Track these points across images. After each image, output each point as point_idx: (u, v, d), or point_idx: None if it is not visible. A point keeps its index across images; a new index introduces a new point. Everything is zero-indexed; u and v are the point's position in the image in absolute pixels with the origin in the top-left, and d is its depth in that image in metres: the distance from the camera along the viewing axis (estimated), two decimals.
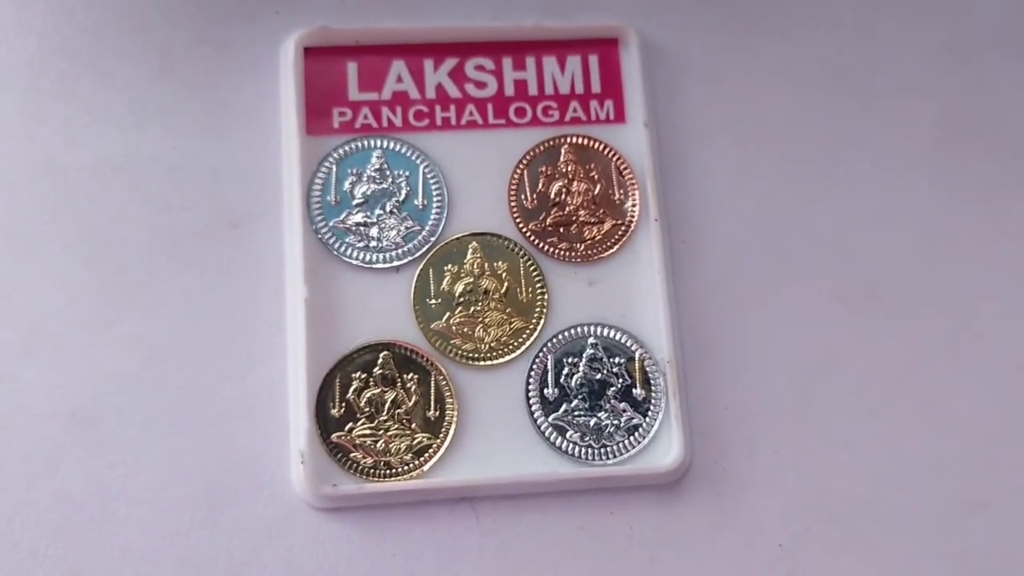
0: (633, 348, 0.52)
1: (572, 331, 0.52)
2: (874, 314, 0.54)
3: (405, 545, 0.49)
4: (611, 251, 0.54)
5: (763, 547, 0.51)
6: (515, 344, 0.52)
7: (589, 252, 0.53)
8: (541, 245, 0.53)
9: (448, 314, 0.52)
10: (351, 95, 0.54)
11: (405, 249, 0.53)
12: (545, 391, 0.52)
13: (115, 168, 0.53)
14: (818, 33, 0.58)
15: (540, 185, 0.54)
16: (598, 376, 0.52)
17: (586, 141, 0.55)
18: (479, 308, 0.52)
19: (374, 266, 0.52)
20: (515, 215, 0.54)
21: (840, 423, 0.53)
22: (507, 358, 0.52)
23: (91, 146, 0.53)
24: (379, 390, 0.51)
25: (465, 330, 0.52)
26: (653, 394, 0.52)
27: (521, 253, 0.53)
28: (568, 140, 0.55)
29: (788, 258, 0.55)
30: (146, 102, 0.54)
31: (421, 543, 0.50)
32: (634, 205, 0.54)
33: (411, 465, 0.50)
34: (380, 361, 0.51)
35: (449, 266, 0.53)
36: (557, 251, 0.53)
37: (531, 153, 0.55)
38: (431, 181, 0.53)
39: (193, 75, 0.55)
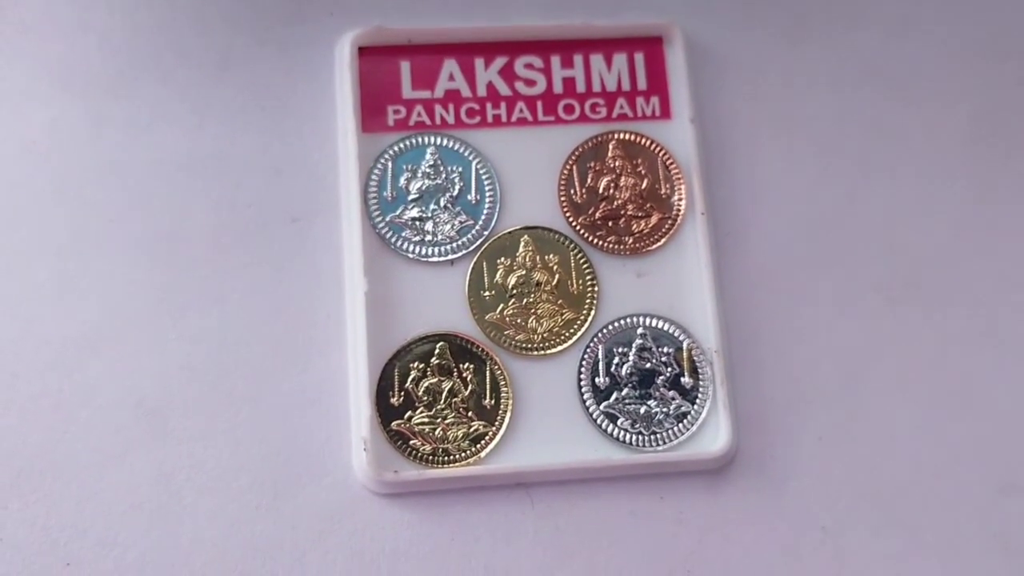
0: (681, 338, 0.53)
1: (621, 322, 0.53)
2: (914, 305, 0.55)
3: (463, 529, 0.50)
4: (658, 244, 0.54)
5: (807, 530, 0.51)
6: (567, 334, 0.52)
7: (637, 245, 0.54)
8: (590, 238, 0.54)
9: (502, 306, 0.52)
10: (405, 93, 0.54)
11: (459, 243, 0.53)
12: (596, 380, 0.52)
13: (178, 166, 0.53)
14: (859, 33, 0.59)
15: (589, 180, 0.54)
16: (647, 365, 0.52)
17: (633, 137, 0.55)
18: (531, 300, 0.52)
19: (430, 259, 0.53)
20: (565, 209, 0.54)
21: (882, 410, 0.53)
22: (559, 348, 0.52)
23: (154, 145, 0.53)
24: (436, 379, 0.51)
25: (518, 321, 0.52)
26: (701, 382, 0.52)
27: (571, 246, 0.53)
28: (616, 136, 0.55)
29: (830, 250, 0.55)
30: (207, 102, 0.54)
31: (478, 527, 0.50)
32: (680, 199, 0.54)
33: (468, 452, 0.51)
34: (437, 351, 0.51)
35: (502, 259, 0.53)
36: (606, 244, 0.54)
37: (580, 149, 0.55)
38: (483, 177, 0.54)
39: (252, 75, 0.55)
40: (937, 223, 0.56)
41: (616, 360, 0.52)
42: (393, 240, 0.53)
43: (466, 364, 0.51)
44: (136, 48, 0.55)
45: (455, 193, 0.53)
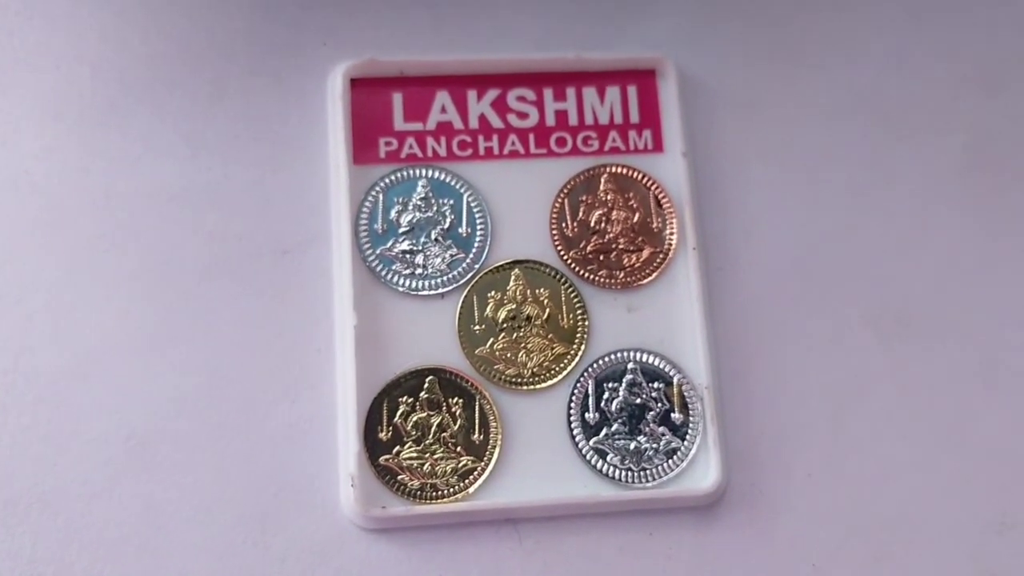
0: (672, 373, 0.52)
1: (612, 356, 0.52)
2: (905, 340, 0.54)
3: (451, 565, 0.49)
4: (650, 278, 0.54)
5: (797, 567, 0.51)
6: (557, 369, 0.52)
7: (629, 279, 0.53)
8: (582, 272, 0.53)
9: (492, 340, 0.52)
10: (397, 125, 0.54)
11: (450, 276, 0.53)
12: (586, 415, 0.51)
13: (169, 197, 0.53)
14: (851, 66, 0.58)
15: (580, 213, 0.54)
16: (637, 401, 0.52)
17: (625, 170, 0.55)
18: (522, 334, 0.52)
19: (420, 293, 0.52)
20: (556, 243, 0.54)
21: (872, 446, 0.53)
22: (549, 383, 0.52)
23: (145, 176, 0.53)
24: (425, 414, 0.51)
25: (508, 355, 0.52)
26: (691, 418, 0.52)
27: (562, 280, 0.53)
28: (608, 169, 0.55)
29: (822, 285, 0.55)
30: (199, 133, 0.54)
31: (466, 564, 0.49)
32: (672, 233, 0.54)
33: (457, 487, 0.50)
34: (426, 386, 0.51)
35: (492, 293, 0.53)
36: (597, 278, 0.53)
37: (572, 182, 0.54)
38: (475, 209, 0.54)
39: (244, 106, 0.55)
40: (930, 256, 0.56)
41: (606, 395, 0.52)
42: (383, 273, 0.52)
43: (455, 398, 0.51)
44: (129, 78, 0.55)
45: (446, 226, 0.53)
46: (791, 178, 0.56)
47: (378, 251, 0.53)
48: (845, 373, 0.53)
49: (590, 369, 0.52)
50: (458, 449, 0.50)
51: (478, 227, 0.53)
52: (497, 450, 0.50)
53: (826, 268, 0.55)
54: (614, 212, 0.54)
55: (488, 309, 0.52)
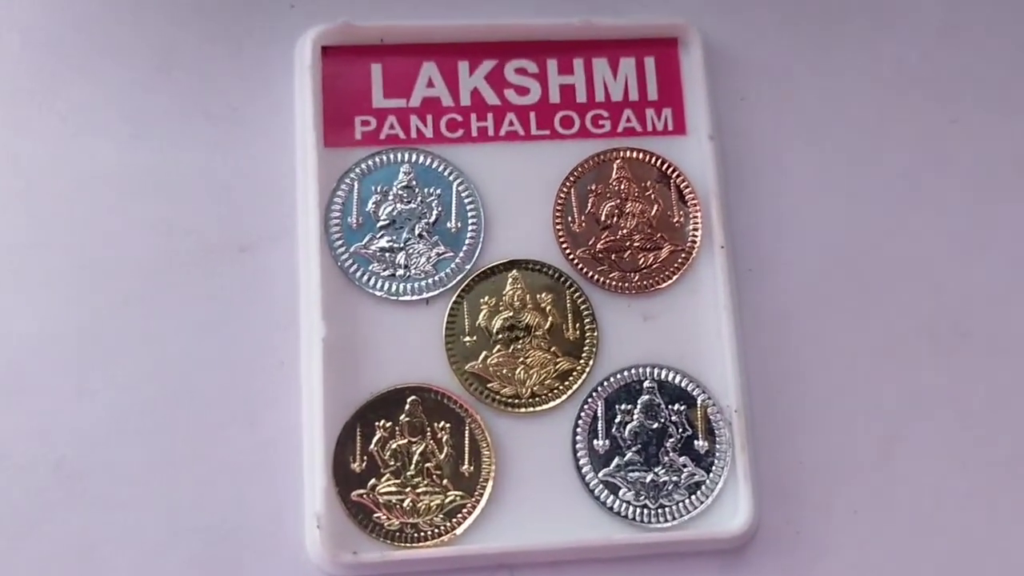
0: (695, 393, 0.51)
1: (625, 373, 0.51)
2: (966, 354, 0.53)
3: None
4: (670, 281, 0.52)
5: None
6: (561, 388, 0.51)
7: (645, 282, 0.52)
8: (590, 274, 0.52)
9: (485, 353, 0.51)
10: (375, 102, 0.53)
11: (436, 279, 0.51)
12: (595, 442, 0.50)
13: (107, 185, 0.52)
14: (900, 36, 0.57)
15: (589, 205, 0.53)
16: (655, 425, 0.50)
17: (641, 155, 0.53)
18: (520, 346, 0.51)
19: (401, 298, 0.51)
20: (561, 240, 0.52)
21: (928, 479, 0.51)
22: (551, 404, 0.50)
23: (79, 159, 0.52)
24: (406, 441, 0.49)
25: (504, 372, 0.50)
26: (717, 446, 0.50)
27: (567, 283, 0.52)
28: (621, 154, 0.53)
29: (870, 290, 0.54)
30: (143, 109, 0.53)
31: None
32: (696, 229, 0.53)
33: (442, 528, 0.48)
34: (407, 407, 0.49)
35: (486, 298, 0.51)
36: (608, 281, 0.52)
37: (579, 169, 0.53)
38: (466, 201, 0.52)
39: (196, 78, 0.53)
40: (993, 256, 0.55)
41: (618, 419, 0.50)
42: (358, 275, 0.51)
43: (441, 423, 0.49)
44: (63, 46, 0.53)
45: (432, 220, 0.52)
46: (834, 165, 0.55)
47: (352, 249, 0.51)
48: (897, 394, 0.52)
49: (600, 388, 0.51)
50: (444, 482, 0.49)
51: (470, 221, 0.52)
52: (490, 484, 0.49)
53: (875, 270, 0.54)
54: (628, 204, 0.53)
55: (481, 317, 0.51)
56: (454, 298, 0.51)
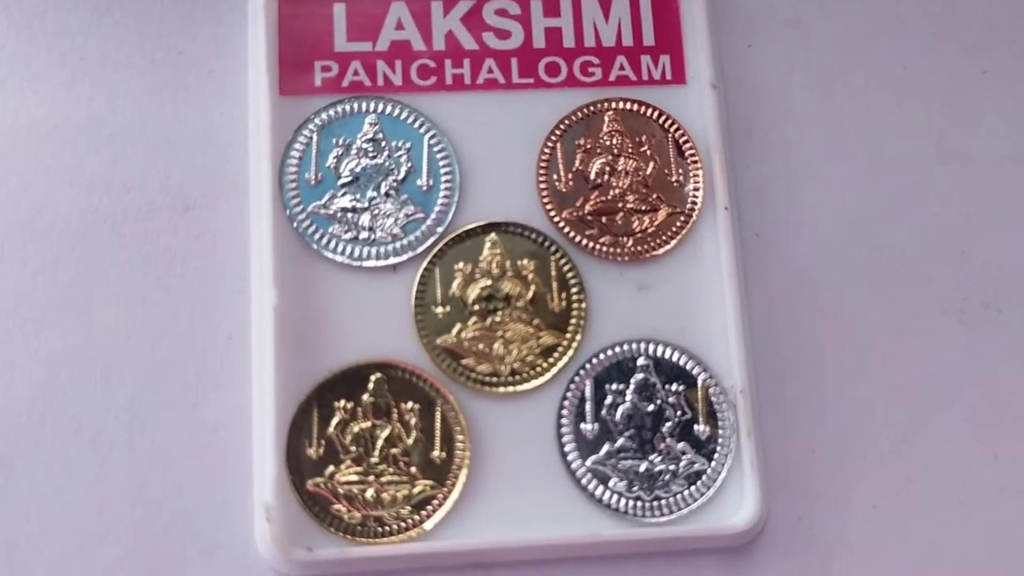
0: (695, 372, 0.49)
1: (617, 349, 0.49)
2: (995, 330, 0.51)
3: None
4: (667, 247, 0.50)
5: None
6: (544, 365, 0.49)
7: (639, 248, 0.50)
8: (578, 239, 0.50)
9: (459, 326, 0.49)
10: (338, 45, 0.51)
11: (405, 242, 0.49)
12: (582, 426, 0.48)
13: (38, 136, 0.50)
14: None
15: (577, 162, 0.51)
16: (650, 407, 0.49)
17: (636, 107, 0.52)
18: (498, 319, 0.49)
19: (364, 263, 0.49)
20: (545, 200, 0.51)
21: (953, 468, 0.50)
22: (534, 383, 0.49)
23: (10, 108, 0.50)
24: (369, 424, 0.47)
25: (480, 347, 0.49)
26: (720, 431, 0.49)
27: (552, 248, 0.50)
28: (613, 105, 0.52)
29: (889, 259, 0.52)
30: (79, 53, 0.51)
31: None
32: (697, 189, 0.51)
33: (409, 522, 0.47)
34: (371, 386, 0.48)
35: (460, 265, 0.50)
36: (598, 247, 0.50)
37: (566, 121, 0.52)
38: (439, 156, 0.50)
39: (138, 18, 0.52)
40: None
41: (609, 400, 0.49)
42: (316, 237, 0.49)
43: (409, 403, 0.48)
44: None
45: (401, 176, 0.50)
46: (849, 120, 0.53)
47: (310, 208, 0.49)
48: (919, 374, 0.51)
49: (588, 366, 0.49)
50: (412, 470, 0.47)
51: (443, 179, 0.50)
52: (464, 472, 0.47)
53: (894, 237, 0.52)
54: (621, 161, 0.51)
55: (455, 286, 0.49)
56: (425, 264, 0.49)
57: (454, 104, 0.51)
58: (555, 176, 0.51)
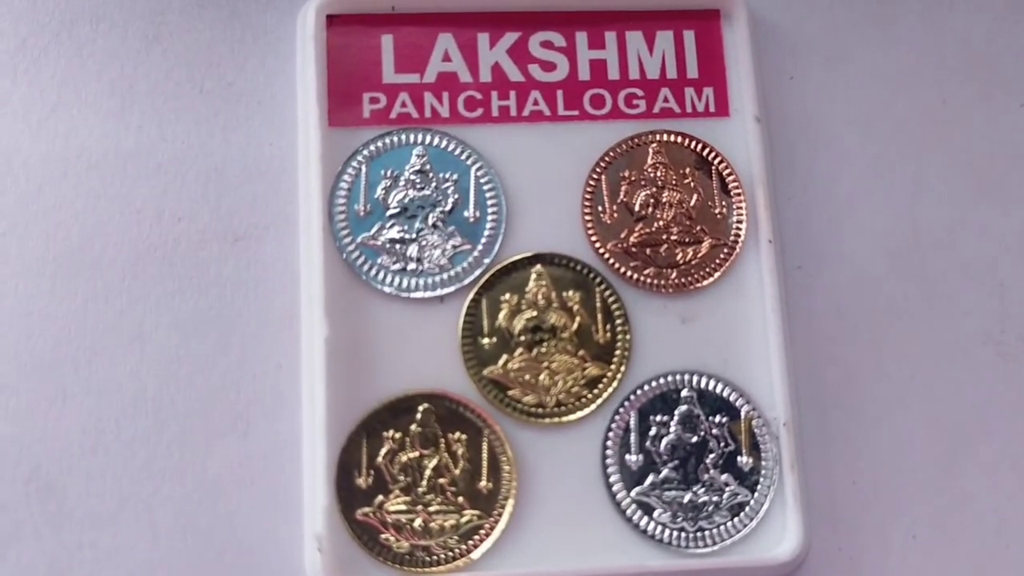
0: (738, 404, 0.49)
1: (661, 381, 0.49)
2: None
3: None
4: (711, 279, 0.50)
5: None
6: (589, 397, 0.49)
7: (683, 280, 0.50)
8: (622, 270, 0.50)
9: (505, 357, 0.49)
10: (386, 77, 0.51)
11: (452, 274, 0.49)
12: (627, 457, 0.49)
13: (90, 165, 0.50)
14: (964, 10, 0.56)
15: (621, 194, 0.51)
16: (694, 439, 0.49)
17: (680, 139, 0.52)
18: (544, 350, 0.49)
19: (412, 295, 0.49)
20: (590, 232, 0.50)
21: (996, 501, 0.50)
22: (579, 414, 0.49)
23: (60, 136, 0.50)
24: (417, 454, 0.48)
25: (526, 378, 0.49)
26: (763, 463, 0.49)
27: (597, 280, 0.50)
28: (657, 137, 0.52)
29: (932, 292, 0.52)
30: (131, 81, 0.51)
31: None
32: (740, 221, 0.51)
33: (456, 551, 0.47)
34: (419, 416, 0.48)
35: (507, 296, 0.50)
36: (643, 278, 0.50)
37: (611, 154, 0.51)
38: (485, 187, 0.50)
39: (187, 48, 0.52)
40: None
41: (653, 431, 0.49)
42: (365, 268, 0.49)
43: (456, 434, 0.48)
44: (44, 12, 0.52)
45: (448, 208, 0.50)
46: (890, 153, 0.53)
47: (359, 239, 0.49)
48: (961, 406, 0.51)
49: (633, 397, 0.49)
50: (460, 500, 0.47)
51: (489, 210, 0.50)
52: (510, 503, 0.47)
53: (936, 269, 0.52)
54: (665, 193, 0.51)
55: (501, 317, 0.49)
56: (471, 295, 0.49)
57: (500, 136, 0.51)
58: (600, 208, 0.51)
